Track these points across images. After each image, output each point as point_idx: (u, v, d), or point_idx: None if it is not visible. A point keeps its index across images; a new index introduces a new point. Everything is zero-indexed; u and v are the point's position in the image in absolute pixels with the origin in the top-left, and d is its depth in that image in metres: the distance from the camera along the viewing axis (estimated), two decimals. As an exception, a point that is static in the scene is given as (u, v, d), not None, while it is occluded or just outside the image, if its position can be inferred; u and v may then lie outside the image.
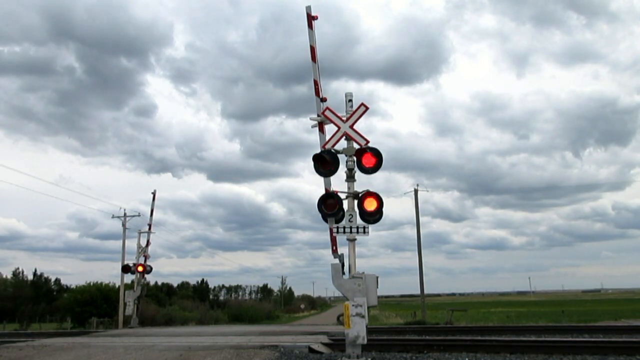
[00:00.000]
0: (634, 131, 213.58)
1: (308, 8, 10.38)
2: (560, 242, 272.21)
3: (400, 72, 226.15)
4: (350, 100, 10.50)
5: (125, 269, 27.22)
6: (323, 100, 10.31)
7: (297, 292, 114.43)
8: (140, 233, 28.19)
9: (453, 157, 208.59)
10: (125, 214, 30.07)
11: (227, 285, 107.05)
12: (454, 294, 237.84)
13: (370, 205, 9.73)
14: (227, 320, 43.02)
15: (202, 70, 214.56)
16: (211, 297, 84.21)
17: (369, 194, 9.81)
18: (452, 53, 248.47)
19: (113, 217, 30.55)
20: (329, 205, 9.78)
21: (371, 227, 9.88)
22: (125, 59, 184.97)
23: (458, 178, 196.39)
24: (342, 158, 10.18)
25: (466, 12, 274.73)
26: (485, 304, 78.09)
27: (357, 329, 8.98)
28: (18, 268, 70.51)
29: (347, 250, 9.82)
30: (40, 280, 68.45)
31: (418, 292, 34.57)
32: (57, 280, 71.55)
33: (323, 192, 9.96)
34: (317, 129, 10.65)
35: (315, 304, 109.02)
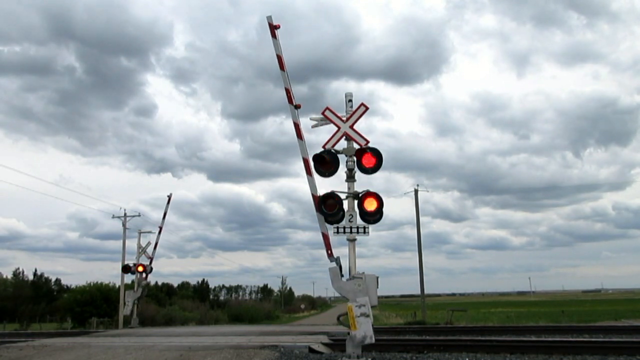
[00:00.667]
0: (635, 131, 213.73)
1: (269, 18, 10.40)
2: (561, 242, 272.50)
3: (401, 72, 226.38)
4: (350, 101, 10.51)
5: (126, 269, 27.23)
6: (297, 107, 10.21)
7: (297, 292, 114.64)
8: (140, 233, 28.24)
9: (453, 157, 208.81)
10: (125, 214, 30.10)
11: (227, 285, 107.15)
12: (454, 294, 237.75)
13: (371, 205, 9.73)
14: (227, 321, 43.04)
15: (202, 70, 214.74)
16: (211, 297, 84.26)
17: (369, 194, 9.80)
18: (452, 53, 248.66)
19: (113, 217, 30.61)
20: (329, 206, 9.77)
21: (371, 227, 9.89)
22: (125, 59, 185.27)
23: (458, 178, 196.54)
24: (342, 158, 10.19)
25: (467, 12, 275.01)
26: (486, 304, 78.08)
27: (364, 329, 8.97)
28: (18, 268, 70.53)
29: (346, 251, 9.83)
30: (40, 281, 68.42)
31: (418, 292, 34.60)
32: (57, 281, 71.65)
33: (323, 192, 9.96)
34: (319, 128, 10.60)
35: (316, 304, 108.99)
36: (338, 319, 10.24)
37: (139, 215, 30.85)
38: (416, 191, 32.87)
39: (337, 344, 12.18)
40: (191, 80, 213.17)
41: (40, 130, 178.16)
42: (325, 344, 12.41)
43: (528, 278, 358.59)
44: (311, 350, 11.45)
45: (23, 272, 68.01)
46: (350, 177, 10.10)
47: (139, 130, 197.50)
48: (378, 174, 10.16)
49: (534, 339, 13.12)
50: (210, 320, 39.42)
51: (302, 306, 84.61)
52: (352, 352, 9.13)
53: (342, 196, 9.94)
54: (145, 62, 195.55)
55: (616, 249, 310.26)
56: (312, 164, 10.00)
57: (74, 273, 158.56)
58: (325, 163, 10.03)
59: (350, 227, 9.76)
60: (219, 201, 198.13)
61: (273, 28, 10.36)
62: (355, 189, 10.02)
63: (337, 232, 9.77)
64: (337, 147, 10.16)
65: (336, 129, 10.23)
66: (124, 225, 29.71)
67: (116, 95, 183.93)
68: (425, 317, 30.43)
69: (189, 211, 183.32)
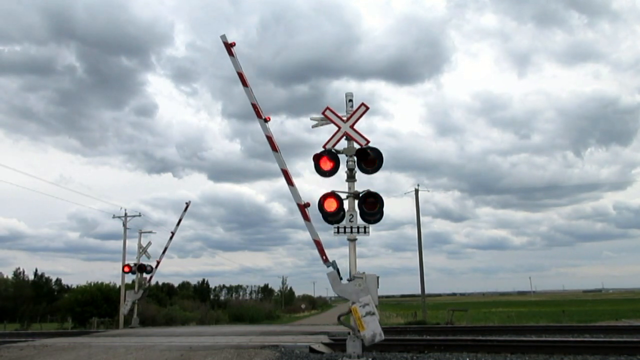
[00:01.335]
0: (635, 131, 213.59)
1: (223, 37, 10.40)
2: (561, 242, 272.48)
3: (402, 71, 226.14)
4: (351, 100, 10.51)
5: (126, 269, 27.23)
6: (266, 120, 10.24)
7: (298, 292, 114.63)
8: (141, 233, 28.21)
9: (454, 157, 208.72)
10: (126, 214, 30.11)
11: (227, 285, 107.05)
12: (454, 294, 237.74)
13: (371, 205, 9.72)
14: (228, 320, 43.08)
15: (202, 70, 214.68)
16: (212, 297, 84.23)
17: (369, 194, 9.81)
18: (453, 52, 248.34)
19: (114, 217, 30.60)
20: (330, 206, 9.77)
21: (372, 227, 9.88)
22: (126, 59, 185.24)
23: (459, 178, 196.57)
24: (342, 158, 10.19)
25: (468, 12, 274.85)
26: (486, 304, 78.05)
27: (372, 328, 8.94)
28: (19, 268, 70.39)
29: (347, 251, 9.83)
30: (41, 280, 68.44)
31: (419, 292, 34.60)
32: (58, 280, 71.63)
33: (323, 192, 9.95)
34: (319, 128, 10.58)
35: (316, 304, 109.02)
36: (338, 318, 10.24)
37: (140, 215, 30.88)
38: (417, 191, 32.91)
39: (338, 343, 12.19)
40: (192, 79, 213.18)
41: (41, 130, 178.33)
42: (325, 344, 12.41)
43: (529, 278, 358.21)
44: (312, 350, 11.46)
45: (24, 272, 68.14)
46: (351, 177, 10.09)
47: (140, 130, 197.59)
48: (378, 174, 10.18)
49: (534, 338, 13.11)
50: (211, 320, 39.43)
51: (303, 306, 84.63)
52: (353, 352, 9.12)
53: (343, 196, 9.94)
54: (145, 62, 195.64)
55: (617, 248, 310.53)
56: (291, 174, 10.08)
57: (75, 273, 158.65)
58: (325, 163, 10.03)
59: (351, 227, 9.76)
60: (219, 201, 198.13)
61: (229, 47, 10.37)
62: (356, 189, 10.02)
63: (338, 232, 9.77)
64: (337, 147, 10.16)
65: (337, 128, 10.22)
66: (124, 225, 29.73)
67: (117, 95, 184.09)
68: (426, 317, 30.44)
69: (190, 211, 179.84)
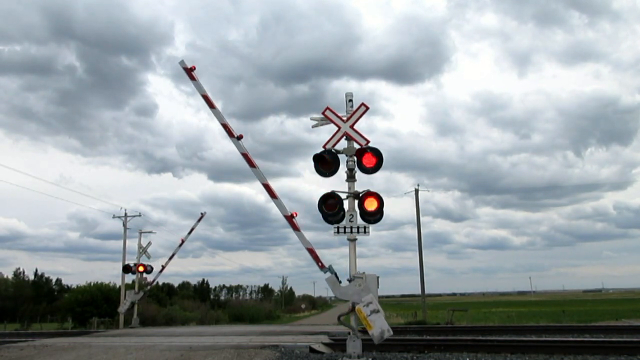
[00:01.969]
0: (636, 131, 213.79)
1: (182, 62, 10.35)
2: (561, 242, 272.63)
3: (402, 71, 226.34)
4: (351, 100, 10.50)
5: (126, 269, 27.26)
6: (239, 138, 10.16)
7: (298, 292, 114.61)
8: (141, 233, 28.22)
9: (454, 157, 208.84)
10: (126, 214, 30.10)
11: (227, 285, 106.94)
12: (454, 294, 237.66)
13: (371, 205, 9.72)
14: (228, 320, 43.09)
15: (203, 70, 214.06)
16: (212, 297, 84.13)
17: (369, 194, 9.80)
18: (453, 52, 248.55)
19: (114, 217, 30.60)
20: (330, 206, 9.77)
21: (372, 227, 9.88)
22: (126, 58, 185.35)
23: (459, 178, 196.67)
24: (342, 158, 10.19)
25: (468, 11, 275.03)
26: (486, 304, 78.04)
27: (379, 325, 8.93)
28: (19, 268, 70.47)
29: (347, 251, 9.82)
30: (41, 280, 68.45)
31: (419, 292, 34.58)
32: (58, 280, 71.62)
33: (323, 192, 9.96)
34: (319, 128, 10.56)
35: (316, 304, 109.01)
36: (339, 318, 10.23)
37: (140, 215, 30.88)
38: (417, 191, 32.90)
39: (338, 343, 12.18)
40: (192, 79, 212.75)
41: (41, 130, 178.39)
42: (325, 344, 12.41)
43: (529, 278, 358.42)
44: (312, 350, 11.45)
45: (24, 272, 68.16)
46: (351, 177, 10.09)
47: (140, 130, 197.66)
48: (378, 174, 10.17)
49: (534, 338, 13.11)
50: (211, 320, 39.43)
51: (303, 306, 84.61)
52: (353, 352, 9.12)
53: (343, 196, 9.93)
54: (145, 62, 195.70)
55: (617, 248, 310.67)
56: (273, 188, 10.05)
57: (75, 273, 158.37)
58: (325, 163, 10.03)
59: (351, 227, 9.76)
60: (219, 201, 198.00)
61: (189, 71, 10.33)
62: (356, 189, 10.01)
63: (338, 232, 9.76)
64: (337, 147, 10.16)
65: (336, 128, 10.22)
66: (124, 225, 29.73)
67: (117, 94, 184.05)
68: (426, 316, 30.43)
69: (190, 211, 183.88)
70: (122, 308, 26.57)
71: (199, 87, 10.38)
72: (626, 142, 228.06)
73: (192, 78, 10.36)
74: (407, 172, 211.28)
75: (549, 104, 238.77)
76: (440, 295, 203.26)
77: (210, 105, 10.39)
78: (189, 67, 10.31)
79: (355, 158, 10.08)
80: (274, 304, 75.31)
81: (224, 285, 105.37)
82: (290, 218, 9.83)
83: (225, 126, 10.28)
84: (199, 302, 55.85)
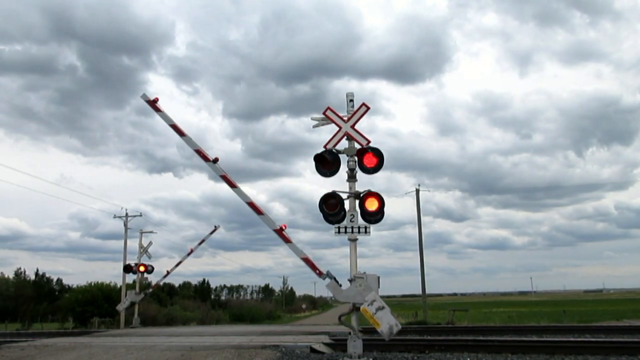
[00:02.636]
0: (637, 130, 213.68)
1: (144, 96, 10.40)
2: (562, 242, 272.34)
3: (403, 71, 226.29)
4: (352, 100, 10.50)
5: (127, 269, 27.29)
6: (215, 161, 10.19)
7: (299, 292, 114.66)
8: (142, 233, 28.25)
9: (455, 157, 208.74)
10: (126, 213, 30.15)
11: (228, 285, 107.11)
12: (455, 294, 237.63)
13: (372, 205, 9.71)
14: (229, 320, 43.13)
15: (203, 69, 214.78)
16: (212, 297, 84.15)
17: (370, 194, 9.79)
18: (454, 52, 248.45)
19: (114, 217, 30.65)
20: (330, 206, 9.77)
21: (372, 227, 9.87)
22: (127, 58, 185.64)
23: (460, 178, 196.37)
24: (343, 158, 10.18)
25: (469, 11, 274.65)
26: (487, 304, 78.04)
27: (387, 321, 8.92)
28: (20, 268, 70.71)
29: (347, 251, 9.82)
30: (42, 280, 68.53)
31: (419, 292, 34.55)
32: (59, 280, 71.73)
33: (324, 192, 9.96)
34: (320, 128, 10.55)
35: (317, 304, 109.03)
36: (339, 318, 10.22)
37: (141, 215, 30.94)
38: (417, 191, 32.88)
39: (339, 343, 12.17)
40: (193, 79, 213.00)
41: (42, 130, 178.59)
42: (326, 344, 12.40)
43: (530, 278, 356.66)
44: (312, 350, 11.45)
45: (25, 272, 68.21)
46: (352, 177, 10.08)
47: (140, 129, 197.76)
48: (379, 174, 10.15)
49: (535, 339, 13.11)
50: (212, 320, 39.46)
51: (304, 306, 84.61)
52: (354, 352, 9.12)
53: (344, 196, 9.92)
54: (146, 61, 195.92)
55: (618, 248, 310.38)
56: (259, 205, 10.00)
57: (76, 273, 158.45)
58: (326, 163, 10.02)
59: (352, 227, 9.75)
60: (220, 201, 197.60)
61: (152, 103, 10.38)
62: (357, 189, 10.00)
63: (339, 232, 9.76)
64: (338, 147, 10.15)
65: (337, 128, 10.21)
66: (125, 225, 29.76)
67: (117, 94, 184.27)
68: (427, 317, 30.42)
69: (190, 211, 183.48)
70: (122, 306, 26.65)
71: (166, 118, 10.51)
72: (627, 142, 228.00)
73: (157, 110, 10.44)
74: (408, 172, 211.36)
75: (550, 104, 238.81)
76: (441, 295, 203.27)
77: (180, 133, 10.48)
78: (151, 99, 10.37)
79: (356, 158, 10.07)
80: (274, 304, 75.40)
81: (224, 285, 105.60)
82: (279, 231, 9.78)
83: (198, 152, 10.33)
84: (199, 302, 55.82)
